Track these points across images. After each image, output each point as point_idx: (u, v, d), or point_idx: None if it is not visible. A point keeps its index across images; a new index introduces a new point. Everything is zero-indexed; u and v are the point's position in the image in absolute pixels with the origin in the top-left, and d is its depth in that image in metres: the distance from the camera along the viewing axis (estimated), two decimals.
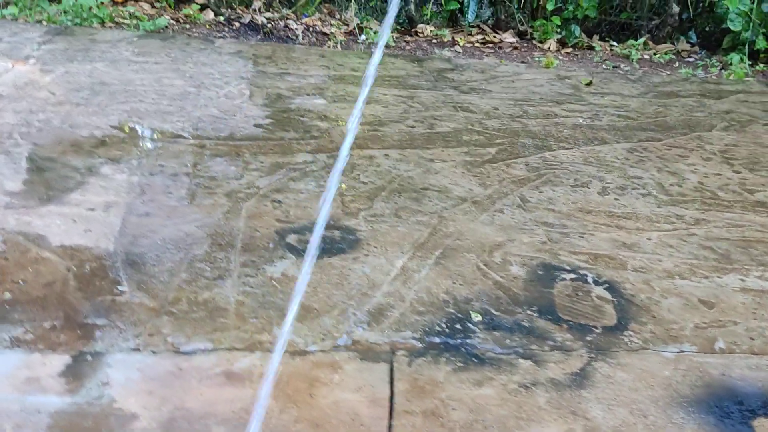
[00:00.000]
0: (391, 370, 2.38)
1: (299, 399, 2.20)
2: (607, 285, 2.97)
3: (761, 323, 2.72)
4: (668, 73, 6.65)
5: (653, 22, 7.48)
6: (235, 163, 4.06)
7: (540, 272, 3.06)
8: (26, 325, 2.44)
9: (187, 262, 2.99)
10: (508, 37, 7.36)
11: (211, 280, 2.88)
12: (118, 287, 2.73)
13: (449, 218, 3.56)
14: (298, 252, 3.16)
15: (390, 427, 2.10)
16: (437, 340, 2.58)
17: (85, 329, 2.45)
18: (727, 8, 6.59)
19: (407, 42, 7.15)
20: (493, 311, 2.77)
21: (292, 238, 3.28)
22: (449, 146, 4.54)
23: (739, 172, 4.17)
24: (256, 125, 4.68)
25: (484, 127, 4.92)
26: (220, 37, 6.61)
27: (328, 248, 3.20)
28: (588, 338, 2.61)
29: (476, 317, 2.74)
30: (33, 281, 2.70)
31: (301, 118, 4.86)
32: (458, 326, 2.67)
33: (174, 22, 6.86)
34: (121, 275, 2.81)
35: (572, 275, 3.04)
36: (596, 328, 2.68)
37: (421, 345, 2.54)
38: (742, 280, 3.03)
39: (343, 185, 3.90)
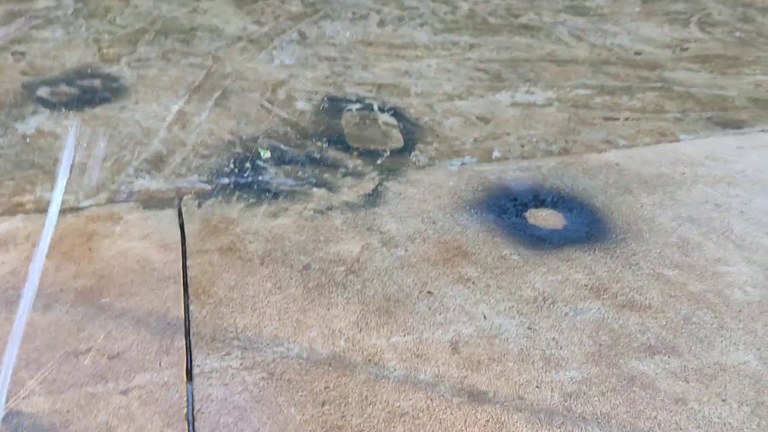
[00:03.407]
0: (180, 215, 2.21)
1: (77, 255, 1.97)
2: (392, 111, 2.98)
3: (529, 132, 2.92)
4: None
5: None
6: None
7: (326, 105, 2.98)
8: None
9: None
10: None
11: None
12: None
13: (225, 58, 3.30)
14: (52, 105, 2.75)
15: (185, 267, 1.97)
16: (226, 180, 2.43)
17: None
18: None
19: None
20: (282, 147, 2.66)
21: (43, 91, 2.84)
22: None
23: None
24: None
25: None
26: None
27: (90, 99, 2.83)
28: (378, 162, 2.62)
29: (266, 154, 2.62)
30: None
31: None
32: (247, 165, 2.53)
33: None
34: None
35: (358, 105, 3.00)
36: (385, 151, 2.70)
37: (210, 187, 2.38)
38: (512, 96, 3.20)
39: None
